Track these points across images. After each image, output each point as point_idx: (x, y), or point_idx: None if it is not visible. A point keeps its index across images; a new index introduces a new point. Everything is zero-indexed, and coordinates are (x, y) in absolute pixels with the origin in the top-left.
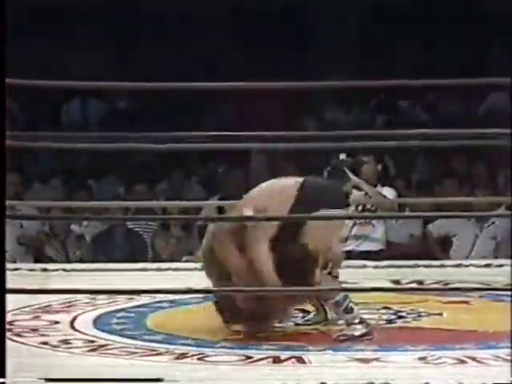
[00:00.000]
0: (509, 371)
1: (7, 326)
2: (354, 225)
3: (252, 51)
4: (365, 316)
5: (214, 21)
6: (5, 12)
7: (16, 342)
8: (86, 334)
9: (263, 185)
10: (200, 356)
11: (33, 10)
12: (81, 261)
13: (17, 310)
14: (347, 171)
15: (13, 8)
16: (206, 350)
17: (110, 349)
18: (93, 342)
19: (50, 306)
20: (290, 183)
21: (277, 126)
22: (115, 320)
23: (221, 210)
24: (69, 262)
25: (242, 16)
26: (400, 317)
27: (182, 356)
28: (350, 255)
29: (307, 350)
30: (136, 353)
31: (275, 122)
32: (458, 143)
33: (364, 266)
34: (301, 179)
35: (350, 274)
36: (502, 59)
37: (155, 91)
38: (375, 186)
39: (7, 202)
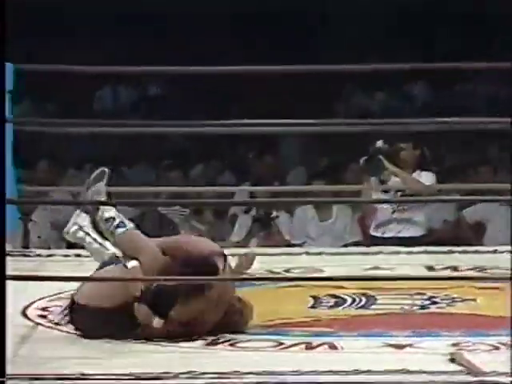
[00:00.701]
0: None
1: (41, 313)
2: (394, 211)
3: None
4: (398, 301)
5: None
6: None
7: (51, 328)
8: None
9: None
10: (232, 342)
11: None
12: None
13: (53, 295)
14: (383, 159)
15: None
16: (237, 336)
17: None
18: None
19: None
20: None
21: (307, 112)
22: None
23: None
24: None
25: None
26: (434, 302)
27: (214, 342)
28: (390, 241)
29: (339, 336)
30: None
31: (305, 108)
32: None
33: (398, 253)
34: None
35: (384, 260)
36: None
37: (186, 76)
38: (414, 171)
39: (39, 188)
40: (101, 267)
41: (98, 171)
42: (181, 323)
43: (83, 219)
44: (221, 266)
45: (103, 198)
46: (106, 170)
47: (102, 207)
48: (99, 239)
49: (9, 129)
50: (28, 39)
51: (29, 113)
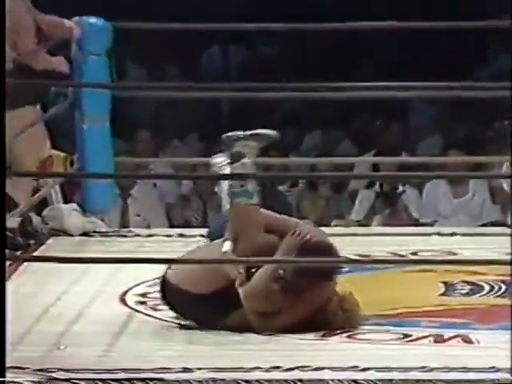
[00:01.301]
0: None
1: (141, 299)
2: None
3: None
4: None
5: None
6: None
7: (151, 316)
8: None
9: None
10: (349, 334)
11: None
12: None
13: (152, 280)
14: None
15: None
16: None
17: None
18: None
19: None
20: None
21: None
22: None
23: None
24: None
25: None
26: None
27: (330, 333)
28: None
29: (475, 329)
30: None
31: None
32: None
33: None
34: None
35: None
36: None
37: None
38: None
39: (138, 160)
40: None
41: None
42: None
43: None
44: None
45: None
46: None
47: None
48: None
49: (106, 95)
50: None
51: (131, 76)
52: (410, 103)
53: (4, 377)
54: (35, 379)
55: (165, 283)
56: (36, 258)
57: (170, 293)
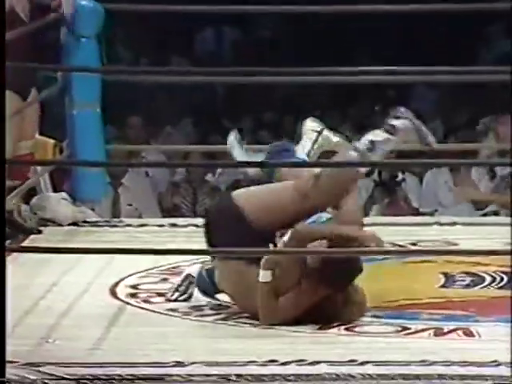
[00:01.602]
0: None
1: (132, 291)
2: None
3: None
4: None
5: None
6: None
7: (142, 308)
8: (217, 300)
9: None
10: (347, 326)
11: None
12: None
13: (143, 271)
14: None
15: None
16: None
17: (244, 317)
18: (227, 307)
19: (179, 266)
20: None
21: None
22: None
23: None
24: (195, 215)
25: None
26: None
27: (327, 326)
28: None
29: (476, 321)
30: None
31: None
32: None
33: None
34: None
35: None
36: None
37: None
38: None
39: (130, 147)
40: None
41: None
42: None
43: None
44: None
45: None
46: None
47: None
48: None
49: (97, 80)
50: None
51: (123, 61)
52: (410, 88)
53: (4, 377)
54: (38, 377)
55: (231, 202)
56: (24, 249)
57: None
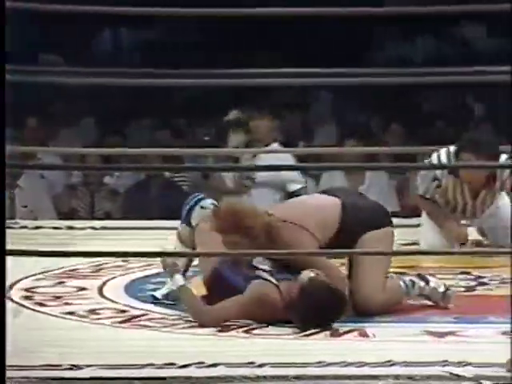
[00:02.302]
0: None
1: (27, 294)
2: None
3: None
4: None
5: None
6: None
7: (38, 311)
8: (116, 303)
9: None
10: (246, 329)
11: None
12: (110, 217)
13: (39, 274)
14: None
15: None
16: (252, 322)
17: (144, 320)
18: (124, 311)
19: (76, 270)
20: (328, 203)
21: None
22: (150, 286)
23: None
24: (93, 218)
25: None
26: (481, 283)
27: (227, 329)
28: None
29: (371, 322)
30: (175, 325)
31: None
32: None
33: None
34: (337, 200)
35: None
36: None
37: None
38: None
39: (25, 148)
40: None
41: None
42: None
43: None
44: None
45: None
46: None
47: None
48: None
49: None
50: None
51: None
52: (307, 90)
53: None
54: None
55: None
56: None
57: None
